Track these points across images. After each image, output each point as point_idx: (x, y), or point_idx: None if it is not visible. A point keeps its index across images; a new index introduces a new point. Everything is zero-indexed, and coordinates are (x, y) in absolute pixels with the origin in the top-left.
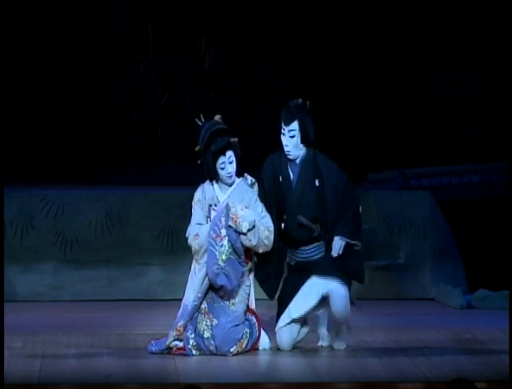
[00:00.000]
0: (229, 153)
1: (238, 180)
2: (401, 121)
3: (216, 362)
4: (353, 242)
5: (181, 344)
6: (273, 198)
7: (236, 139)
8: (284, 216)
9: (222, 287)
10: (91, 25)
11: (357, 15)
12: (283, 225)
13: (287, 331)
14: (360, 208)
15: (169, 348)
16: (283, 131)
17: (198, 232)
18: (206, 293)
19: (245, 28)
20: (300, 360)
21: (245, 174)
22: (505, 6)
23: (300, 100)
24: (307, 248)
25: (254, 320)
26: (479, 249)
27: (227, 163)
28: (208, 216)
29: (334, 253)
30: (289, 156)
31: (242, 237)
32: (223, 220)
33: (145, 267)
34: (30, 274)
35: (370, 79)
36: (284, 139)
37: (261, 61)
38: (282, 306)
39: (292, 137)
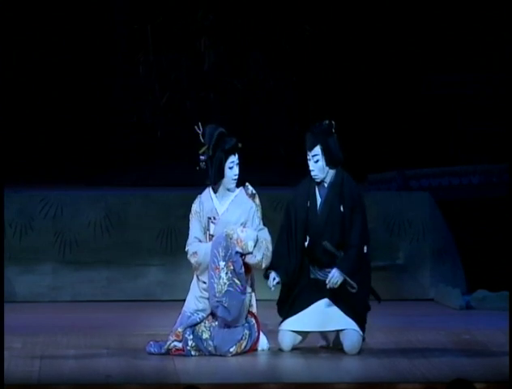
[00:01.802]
0: (237, 156)
1: (237, 190)
2: (401, 122)
3: (216, 363)
4: (350, 282)
5: (179, 345)
6: (299, 222)
7: (241, 145)
8: (308, 238)
9: (222, 318)
10: (91, 25)
11: (357, 16)
12: (306, 244)
13: (291, 335)
14: (366, 248)
15: (168, 350)
16: (308, 156)
17: (196, 249)
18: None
19: (245, 29)
20: (300, 360)
21: (247, 184)
22: (505, 6)
23: (325, 122)
24: (328, 269)
25: (254, 322)
26: (478, 249)
27: (235, 163)
28: (207, 229)
29: (329, 285)
30: (316, 179)
31: (248, 256)
32: (221, 251)
33: (144, 267)
34: (29, 275)
35: (370, 79)
36: (310, 164)
37: (261, 62)
38: (289, 309)
39: (316, 161)
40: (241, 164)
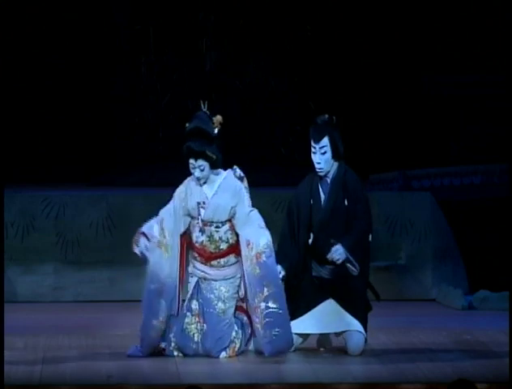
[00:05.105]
0: (192, 160)
1: (225, 173)
2: (402, 122)
3: (217, 363)
4: (353, 261)
5: (163, 345)
6: (302, 221)
7: (207, 150)
8: (312, 236)
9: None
10: (93, 26)
11: (357, 16)
12: (310, 242)
13: (294, 336)
14: (370, 237)
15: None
16: (313, 150)
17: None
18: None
19: (246, 29)
20: (302, 361)
21: (235, 166)
22: (505, 6)
23: (326, 116)
24: (331, 267)
25: (246, 318)
26: (480, 250)
27: (193, 167)
28: (199, 214)
29: (329, 257)
30: (321, 173)
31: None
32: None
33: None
34: (31, 275)
35: (371, 79)
36: (316, 157)
37: (262, 62)
38: (293, 311)
39: (324, 153)
40: (217, 158)
